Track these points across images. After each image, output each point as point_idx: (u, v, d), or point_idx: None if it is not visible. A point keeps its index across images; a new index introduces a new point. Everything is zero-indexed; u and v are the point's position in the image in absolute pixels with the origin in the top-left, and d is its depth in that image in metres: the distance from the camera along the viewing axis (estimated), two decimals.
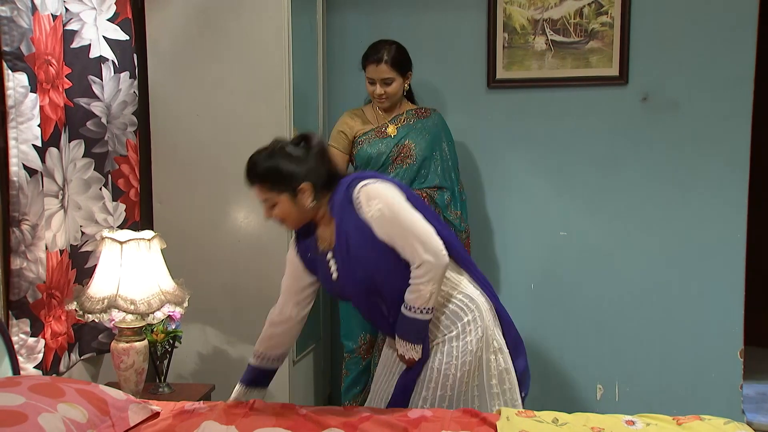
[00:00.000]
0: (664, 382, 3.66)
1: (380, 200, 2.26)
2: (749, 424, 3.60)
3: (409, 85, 3.29)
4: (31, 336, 2.47)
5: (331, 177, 2.37)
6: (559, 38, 3.60)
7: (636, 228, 3.63)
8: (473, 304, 2.43)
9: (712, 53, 3.48)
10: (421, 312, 2.30)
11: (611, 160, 3.62)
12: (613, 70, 3.55)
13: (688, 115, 3.53)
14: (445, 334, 2.40)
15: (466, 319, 2.40)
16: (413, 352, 2.35)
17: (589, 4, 3.55)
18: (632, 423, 2.17)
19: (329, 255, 2.39)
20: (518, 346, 2.56)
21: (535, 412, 2.27)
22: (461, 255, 2.50)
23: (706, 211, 3.55)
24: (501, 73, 3.65)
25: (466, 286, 2.46)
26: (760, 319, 4.34)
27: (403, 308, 2.33)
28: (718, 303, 3.58)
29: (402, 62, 3.19)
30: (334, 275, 2.39)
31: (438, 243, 2.28)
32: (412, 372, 2.41)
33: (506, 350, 2.49)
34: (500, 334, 2.50)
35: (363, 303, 2.44)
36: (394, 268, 2.32)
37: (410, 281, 2.29)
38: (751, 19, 3.42)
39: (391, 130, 3.25)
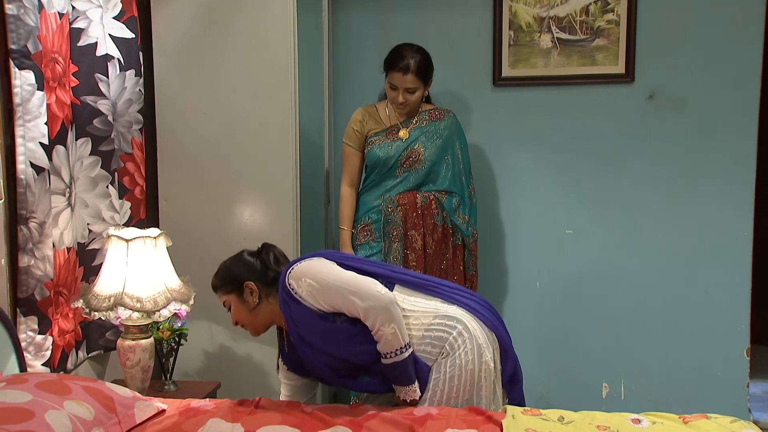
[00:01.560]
0: (670, 381, 3.65)
1: (306, 276, 2.32)
2: (756, 422, 3.59)
3: (427, 93, 3.29)
4: (38, 333, 2.47)
5: (277, 275, 2.43)
6: (565, 36, 3.59)
7: (642, 226, 3.63)
8: (453, 320, 2.39)
9: (719, 51, 3.48)
10: (396, 354, 2.31)
11: (617, 158, 3.61)
12: (619, 68, 3.55)
13: (695, 113, 3.53)
14: (435, 359, 2.38)
15: (451, 337, 2.37)
16: (411, 393, 2.36)
17: (595, 2, 3.54)
18: (638, 421, 2.17)
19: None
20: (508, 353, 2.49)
21: (541, 411, 2.26)
22: (426, 282, 2.49)
23: (712, 209, 3.55)
24: (507, 71, 3.64)
25: (440, 308, 2.42)
26: (766, 318, 4.33)
27: (382, 360, 2.34)
28: (724, 301, 3.58)
29: (428, 72, 3.16)
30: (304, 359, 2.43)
31: (371, 287, 2.30)
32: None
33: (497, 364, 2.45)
34: (492, 351, 2.42)
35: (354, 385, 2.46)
36: (354, 337, 2.33)
37: (372, 334, 2.31)
38: (758, 17, 3.41)
39: (403, 133, 3.24)
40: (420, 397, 2.37)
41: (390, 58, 3.17)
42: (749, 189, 3.51)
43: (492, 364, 2.39)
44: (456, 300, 2.47)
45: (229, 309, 2.50)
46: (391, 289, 2.41)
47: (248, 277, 2.46)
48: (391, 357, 2.32)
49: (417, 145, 3.22)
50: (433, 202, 3.21)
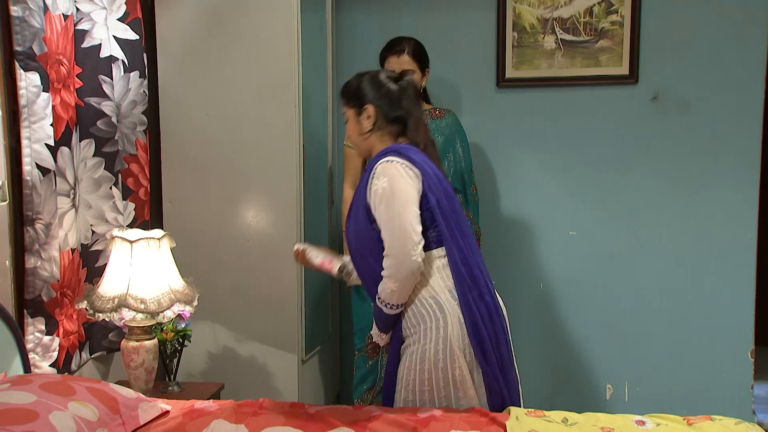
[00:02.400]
0: (674, 382, 3.65)
1: (387, 180, 2.28)
2: (760, 424, 3.59)
3: (425, 85, 3.29)
4: (46, 334, 2.48)
5: (400, 124, 2.43)
6: (568, 37, 3.59)
7: (646, 227, 3.62)
8: (441, 312, 2.33)
9: (723, 52, 3.47)
10: (386, 306, 2.33)
11: (621, 159, 3.61)
12: (623, 69, 3.55)
13: (699, 114, 3.52)
14: (410, 336, 2.37)
15: (428, 325, 2.33)
16: (378, 338, 2.44)
17: (599, 3, 3.54)
18: (642, 423, 2.17)
19: None
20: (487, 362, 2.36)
21: (545, 412, 2.26)
22: (461, 267, 2.35)
23: (716, 210, 3.54)
24: (510, 72, 3.64)
25: (441, 293, 2.35)
26: None
27: (376, 297, 2.37)
28: (728, 303, 3.57)
29: (422, 56, 3.23)
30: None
31: (408, 244, 2.24)
32: (390, 365, 2.45)
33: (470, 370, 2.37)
34: (472, 352, 2.34)
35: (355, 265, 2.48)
36: (368, 248, 2.35)
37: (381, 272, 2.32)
38: (762, 18, 3.41)
39: None
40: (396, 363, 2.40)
41: (385, 47, 3.26)
42: (753, 190, 3.51)
43: (466, 373, 2.33)
44: (468, 304, 2.34)
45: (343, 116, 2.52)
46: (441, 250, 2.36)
47: (371, 101, 2.43)
48: (380, 302, 2.34)
49: None
50: None
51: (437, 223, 2.34)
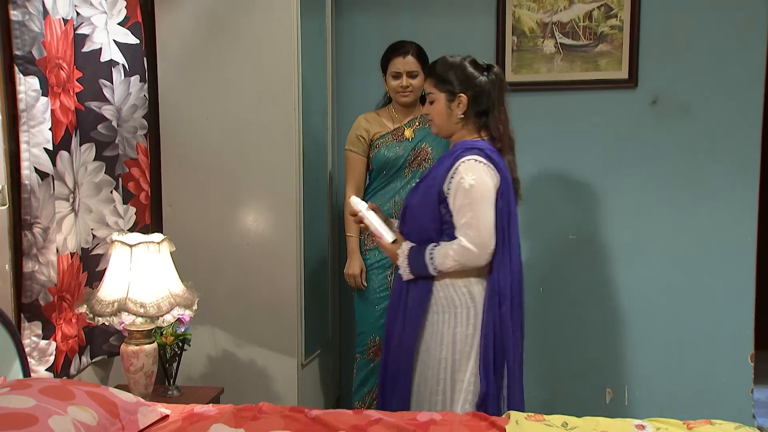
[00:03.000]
0: (674, 386, 3.65)
1: (475, 179, 2.48)
2: (760, 428, 3.58)
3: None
4: (42, 339, 2.48)
5: (485, 116, 2.61)
6: (568, 41, 3.60)
7: (645, 231, 3.62)
8: (473, 302, 2.57)
9: (722, 56, 3.48)
10: (434, 269, 2.54)
11: (621, 163, 3.61)
12: (623, 73, 3.55)
13: (698, 119, 3.53)
14: (437, 313, 2.60)
15: (458, 310, 2.57)
16: (401, 265, 2.61)
17: (598, 7, 3.54)
18: (642, 427, 2.17)
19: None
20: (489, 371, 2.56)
21: (545, 416, 2.26)
22: (498, 273, 2.56)
23: (716, 214, 3.54)
24: (510, 76, 3.64)
25: (475, 285, 2.59)
26: None
27: (431, 246, 2.55)
28: (728, 307, 3.57)
29: (425, 59, 3.24)
30: (414, 184, 2.80)
31: (486, 245, 2.49)
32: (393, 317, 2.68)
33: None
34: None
35: (403, 233, 2.69)
36: (427, 222, 2.57)
37: (453, 242, 2.51)
38: (761, 22, 3.41)
39: (409, 133, 3.26)
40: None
41: (388, 50, 3.26)
42: (753, 194, 3.51)
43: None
44: (492, 306, 2.56)
45: (428, 95, 2.64)
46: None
47: (464, 91, 2.58)
48: (429, 258, 2.53)
49: (424, 144, 3.25)
50: None
51: (497, 227, 2.53)
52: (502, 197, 2.53)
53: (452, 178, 2.51)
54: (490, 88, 2.59)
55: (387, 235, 2.72)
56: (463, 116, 2.59)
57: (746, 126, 3.48)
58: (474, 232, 2.47)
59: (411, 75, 3.21)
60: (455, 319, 2.58)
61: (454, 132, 2.65)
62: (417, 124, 3.28)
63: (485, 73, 2.60)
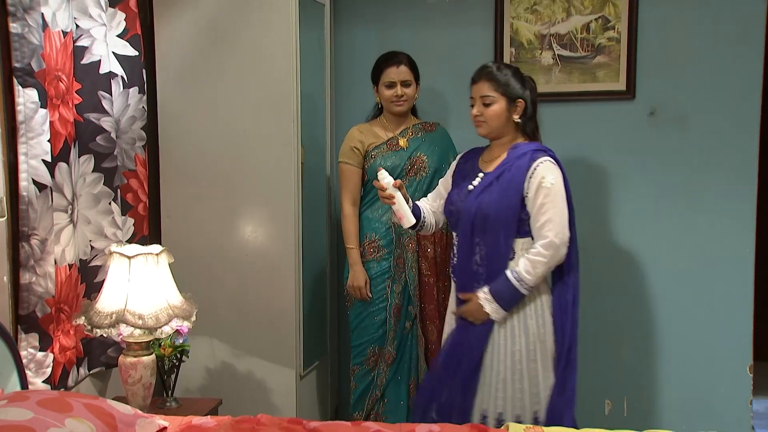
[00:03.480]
0: (673, 398, 3.64)
1: (555, 179, 2.65)
2: None
3: (417, 97, 3.32)
4: (39, 350, 2.47)
5: (532, 123, 2.80)
6: (566, 53, 3.61)
7: (644, 243, 3.63)
8: (539, 295, 2.71)
9: (719, 67, 3.49)
10: (521, 285, 2.63)
11: (619, 174, 3.62)
12: (621, 85, 3.56)
13: (696, 130, 3.53)
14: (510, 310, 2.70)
15: (527, 304, 2.69)
16: (492, 312, 2.66)
17: (596, 19, 3.56)
18: None
19: (481, 172, 2.80)
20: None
21: (543, 428, 2.26)
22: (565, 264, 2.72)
23: (714, 225, 3.54)
24: None
25: (545, 296, 2.74)
26: None
27: (509, 271, 2.65)
28: (727, 318, 3.57)
29: (417, 68, 3.27)
30: (471, 187, 2.78)
31: (566, 239, 2.64)
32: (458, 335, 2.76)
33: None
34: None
35: (466, 237, 2.74)
36: (506, 224, 2.67)
37: (530, 252, 2.64)
38: (758, 33, 3.43)
39: (403, 142, 3.28)
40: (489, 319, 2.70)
41: (379, 60, 3.29)
42: (751, 204, 3.51)
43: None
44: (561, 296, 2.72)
45: (482, 98, 2.75)
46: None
47: (524, 98, 2.75)
48: (516, 280, 2.63)
49: (420, 153, 3.26)
50: None
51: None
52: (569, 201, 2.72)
53: (531, 178, 2.65)
54: (536, 98, 2.80)
55: (408, 219, 2.78)
56: (519, 121, 2.76)
57: (743, 137, 3.48)
58: (557, 227, 2.62)
59: (404, 84, 3.23)
60: (526, 312, 2.71)
61: (504, 135, 2.78)
62: (410, 133, 3.29)
63: (533, 85, 2.82)
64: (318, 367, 3.54)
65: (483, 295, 2.67)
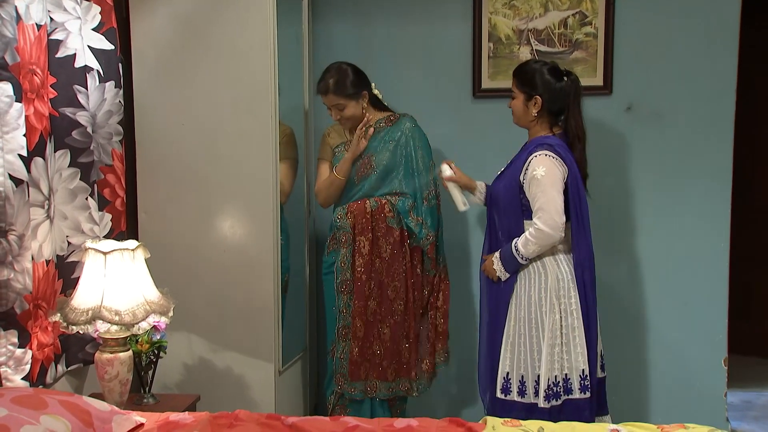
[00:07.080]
0: (648, 391, 3.68)
1: (545, 170, 2.87)
2: (734, 431, 3.62)
3: (370, 96, 3.33)
4: (18, 347, 2.45)
5: (558, 115, 3.00)
6: (543, 48, 3.63)
7: (619, 237, 3.66)
8: (543, 269, 2.96)
9: (695, 64, 3.52)
10: (521, 258, 2.94)
11: (595, 169, 3.60)
12: (598, 80, 3.59)
13: (672, 125, 3.57)
14: (519, 280, 2.99)
15: (532, 276, 2.96)
16: (498, 272, 3.01)
17: (573, 15, 3.58)
18: None
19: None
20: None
21: (521, 422, 2.28)
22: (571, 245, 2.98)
23: (689, 220, 3.58)
24: (486, 83, 3.67)
25: (546, 254, 2.96)
26: (743, 328, 4.37)
27: (514, 241, 2.95)
28: (702, 312, 3.61)
29: (346, 88, 3.26)
30: (498, 173, 3.16)
31: (557, 224, 2.87)
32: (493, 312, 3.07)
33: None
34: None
35: (491, 215, 3.14)
36: (511, 208, 2.99)
37: (527, 231, 2.92)
38: (733, 31, 3.47)
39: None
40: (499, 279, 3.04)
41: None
42: (726, 200, 3.55)
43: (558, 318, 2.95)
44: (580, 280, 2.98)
45: (511, 97, 3.05)
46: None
47: (540, 93, 2.95)
48: (517, 253, 2.93)
49: (368, 154, 3.31)
50: (386, 205, 3.26)
51: (570, 211, 2.93)
52: (571, 185, 2.90)
53: (526, 170, 2.92)
54: (566, 91, 2.94)
55: (460, 205, 3.20)
56: (536, 114, 2.97)
57: (719, 132, 3.52)
58: (546, 214, 2.86)
59: (338, 108, 3.27)
60: (530, 284, 2.97)
61: (529, 127, 3.04)
62: (369, 132, 3.31)
63: (565, 78, 2.96)
64: (297, 363, 3.54)
65: (495, 256, 3.02)
